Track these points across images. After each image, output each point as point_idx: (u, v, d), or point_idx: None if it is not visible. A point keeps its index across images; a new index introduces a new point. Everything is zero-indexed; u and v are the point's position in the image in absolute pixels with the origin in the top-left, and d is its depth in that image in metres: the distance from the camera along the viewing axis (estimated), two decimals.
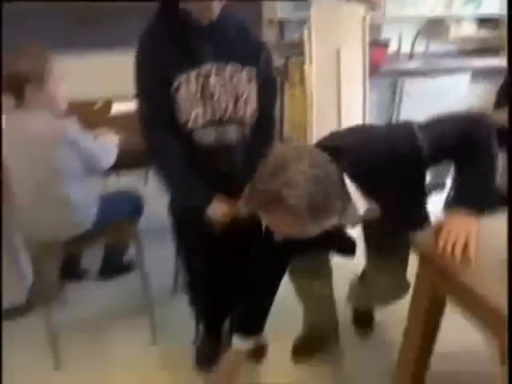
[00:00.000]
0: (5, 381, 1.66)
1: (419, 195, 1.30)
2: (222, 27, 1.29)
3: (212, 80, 1.30)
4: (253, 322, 1.44)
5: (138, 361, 1.80)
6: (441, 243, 1.08)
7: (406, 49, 3.80)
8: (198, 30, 1.26)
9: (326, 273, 1.64)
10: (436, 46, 3.90)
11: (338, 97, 3.17)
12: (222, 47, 1.31)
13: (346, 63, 3.05)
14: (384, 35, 3.74)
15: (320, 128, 3.08)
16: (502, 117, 2.02)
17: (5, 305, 1.96)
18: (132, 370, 1.75)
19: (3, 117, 1.51)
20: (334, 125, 3.10)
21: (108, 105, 2.51)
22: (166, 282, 2.19)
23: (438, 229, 1.12)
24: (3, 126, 1.50)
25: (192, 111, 1.30)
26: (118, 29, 2.62)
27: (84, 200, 1.62)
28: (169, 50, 1.26)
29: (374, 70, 3.24)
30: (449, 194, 2.58)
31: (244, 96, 1.36)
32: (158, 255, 2.10)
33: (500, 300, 0.90)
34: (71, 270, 2.16)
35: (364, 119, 3.23)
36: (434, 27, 3.94)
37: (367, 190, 1.13)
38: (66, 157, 1.53)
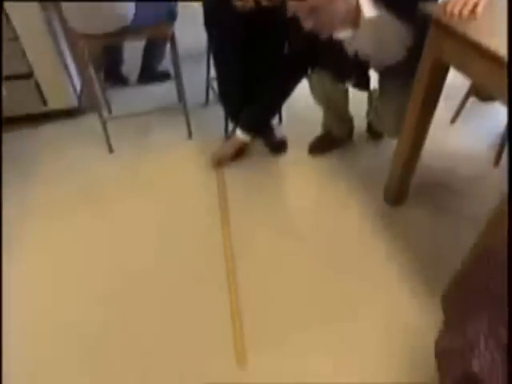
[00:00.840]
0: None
1: None
2: None
3: None
4: (254, 124, 1.90)
5: (177, 150, 2.12)
6: (451, 3, 1.20)
7: None
8: None
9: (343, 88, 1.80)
10: None
11: None
12: None
13: None
14: None
15: None
16: None
17: (59, 106, 2.26)
18: (171, 157, 2.09)
19: None
20: None
21: None
22: (198, 98, 2.43)
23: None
24: None
25: None
26: None
27: None
28: None
29: None
30: None
31: None
32: (191, 78, 2.29)
33: (504, 49, 1.03)
34: (113, 75, 2.39)
35: None
36: None
37: None
38: None
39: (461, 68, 1.23)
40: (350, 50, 1.53)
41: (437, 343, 1.00)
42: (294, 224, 1.73)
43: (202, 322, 1.39)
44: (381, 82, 1.78)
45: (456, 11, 1.19)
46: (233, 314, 1.41)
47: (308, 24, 1.33)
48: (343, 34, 1.44)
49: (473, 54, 1.12)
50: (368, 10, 1.33)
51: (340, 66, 1.63)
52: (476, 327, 0.80)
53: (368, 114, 2.11)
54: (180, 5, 2.66)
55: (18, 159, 2.07)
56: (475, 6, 1.18)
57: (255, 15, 1.58)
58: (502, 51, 1.02)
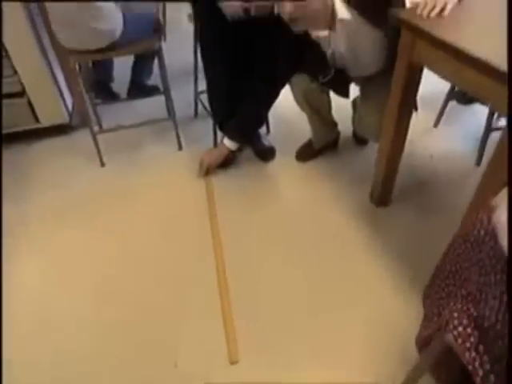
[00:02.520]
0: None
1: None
2: None
3: None
4: (241, 132, 1.98)
5: (168, 161, 2.17)
6: (421, 7, 1.27)
7: None
8: None
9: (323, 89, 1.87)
10: None
11: None
12: None
13: None
14: None
15: None
16: None
17: (51, 123, 2.31)
18: (162, 167, 2.13)
19: None
20: None
21: None
22: (187, 111, 2.50)
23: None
24: None
25: None
26: None
27: (109, 9, 1.81)
28: None
29: None
30: None
31: None
32: (179, 92, 2.38)
33: (468, 46, 1.09)
34: (104, 91, 2.45)
35: None
36: None
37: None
38: None
39: (433, 67, 1.29)
40: (328, 51, 1.63)
41: (418, 336, 1.03)
42: (281, 228, 1.76)
43: (195, 325, 1.41)
44: (362, 87, 1.85)
45: (425, 14, 1.26)
46: (224, 315, 1.43)
47: (292, 22, 1.45)
48: (321, 33, 1.55)
49: (441, 53, 1.18)
50: (342, 13, 1.44)
51: (318, 64, 1.70)
52: (450, 308, 0.83)
53: (353, 119, 2.17)
54: (168, 21, 2.76)
55: (11, 175, 2.10)
56: (443, 9, 1.26)
57: (244, 25, 1.65)
58: (468, 49, 1.08)
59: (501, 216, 0.76)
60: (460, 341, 0.73)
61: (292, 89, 1.87)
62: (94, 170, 2.13)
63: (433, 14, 1.25)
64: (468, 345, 0.72)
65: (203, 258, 1.64)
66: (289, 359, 1.30)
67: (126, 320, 1.44)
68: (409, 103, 1.49)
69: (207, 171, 2.03)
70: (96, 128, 2.26)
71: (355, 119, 2.14)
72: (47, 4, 1.77)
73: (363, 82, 1.82)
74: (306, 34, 1.59)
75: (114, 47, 1.88)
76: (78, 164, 2.17)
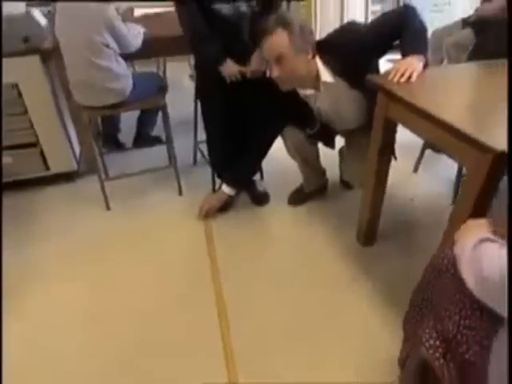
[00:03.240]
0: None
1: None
2: None
3: None
4: (238, 179, 2.19)
5: (169, 208, 2.33)
6: (392, 74, 1.50)
7: None
8: None
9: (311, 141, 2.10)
10: None
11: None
12: None
13: None
14: None
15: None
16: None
17: (60, 170, 2.49)
18: (164, 211, 2.29)
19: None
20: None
21: (131, 9, 2.88)
22: (187, 160, 2.70)
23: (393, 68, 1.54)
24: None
25: None
26: None
27: (123, 72, 2.05)
28: None
29: None
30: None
31: None
32: (180, 142, 2.60)
33: (434, 109, 1.31)
34: (111, 141, 2.66)
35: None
36: None
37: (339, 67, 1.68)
38: (107, 38, 1.94)
39: (404, 124, 1.50)
40: (314, 107, 1.88)
41: (399, 357, 1.17)
42: (276, 267, 1.91)
43: (196, 358, 1.52)
44: (346, 138, 2.08)
45: (395, 80, 1.49)
46: (225, 345, 1.55)
47: (281, 82, 1.71)
48: (307, 92, 1.80)
49: (412, 114, 1.40)
50: (325, 76, 1.70)
51: (306, 118, 1.94)
52: (423, 327, 0.98)
53: (340, 166, 2.40)
54: (171, 80, 3.02)
55: (22, 219, 2.25)
56: (410, 76, 1.49)
57: (240, 85, 1.89)
58: (434, 112, 1.29)
59: (460, 247, 0.93)
60: (431, 351, 0.88)
61: (284, 141, 2.09)
62: (101, 214, 2.29)
63: (402, 79, 1.48)
64: (437, 355, 0.87)
65: (204, 297, 1.76)
66: (284, 381, 1.41)
67: (126, 357, 1.54)
68: (387, 153, 1.70)
69: (207, 215, 2.20)
70: (103, 175, 2.44)
71: (342, 166, 2.37)
72: (67, 67, 2.01)
73: (347, 135, 2.05)
74: (295, 92, 1.83)
75: (124, 104, 2.10)
76: (85, 208, 2.33)
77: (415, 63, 1.52)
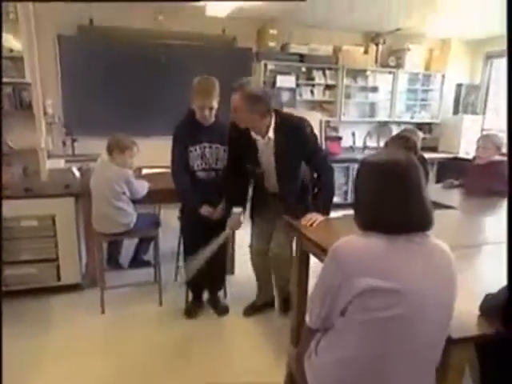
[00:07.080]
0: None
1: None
2: (213, 126, 2.75)
3: (207, 150, 2.73)
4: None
5: (150, 314, 2.99)
6: (304, 222, 2.39)
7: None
8: (201, 127, 2.71)
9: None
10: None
11: None
12: (212, 135, 2.75)
13: None
14: (341, 133, 5.79)
15: None
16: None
17: (68, 282, 3.19)
18: (147, 318, 2.94)
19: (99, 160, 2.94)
20: None
21: (139, 169, 3.96)
22: (168, 278, 3.45)
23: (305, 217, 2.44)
24: (97, 167, 2.92)
25: (195, 163, 2.72)
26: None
27: (131, 211, 2.95)
28: (187, 134, 2.71)
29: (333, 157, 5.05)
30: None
31: (220, 157, 2.79)
32: (164, 264, 3.40)
33: (326, 242, 2.16)
34: (113, 262, 3.43)
35: None
36: (382, 128, 6.04)
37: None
38: (124, 188, 2.90)
39: (313, 254, 2.34)
40: (259, 151, 2.55)
41: None
42: (224, 357, 2.51)
43: None
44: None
45: (304, 223, 2.38)
46: None
47: (238, 123, 2.44)
48: (257, 137, 2.48)
49: (314, 246, 2.24)
50: (271, 134, 2.47)
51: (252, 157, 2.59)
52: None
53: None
54: (163, 219, 3.93)
55: (33, 322, 2.86)
56: (314, 222, 2.39)
57: (212, 222, 2.77)
58: (326, 244, 2.14)
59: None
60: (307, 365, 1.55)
61: (251, 259, 2.91)
62: (96, 315, 2.92)
63: (309, 223, 2.37)
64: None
65: None
66: None
67: None
68: (305, 279, 2.49)
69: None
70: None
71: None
72: (93, 205, 2.91)
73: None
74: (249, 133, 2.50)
75: (128, 233, 2.96)
76: (84, 313, 2.97)
77: (320, 216, 2.43)
